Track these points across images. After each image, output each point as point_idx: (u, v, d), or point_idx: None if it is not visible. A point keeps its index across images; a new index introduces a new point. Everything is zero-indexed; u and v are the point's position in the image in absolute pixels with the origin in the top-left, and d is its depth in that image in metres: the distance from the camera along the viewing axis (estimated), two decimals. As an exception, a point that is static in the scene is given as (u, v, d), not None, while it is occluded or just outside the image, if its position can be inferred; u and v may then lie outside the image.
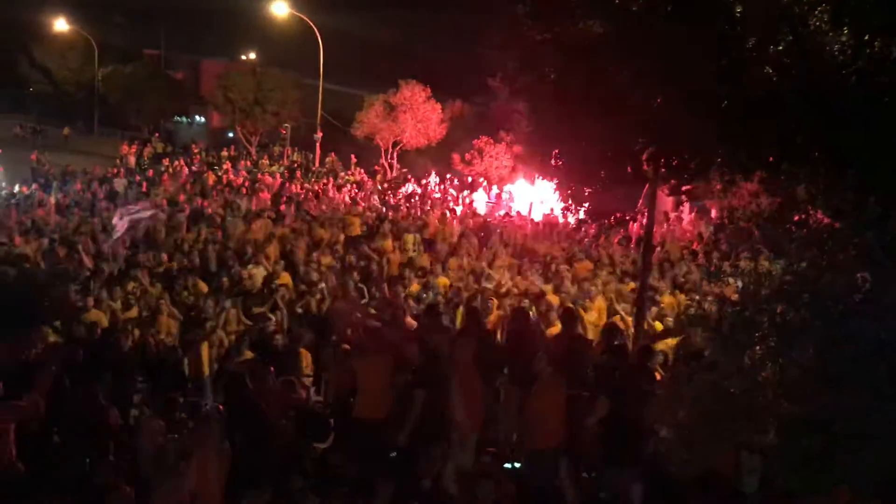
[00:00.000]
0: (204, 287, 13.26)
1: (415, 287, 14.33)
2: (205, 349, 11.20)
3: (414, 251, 17.64)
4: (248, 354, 10.72)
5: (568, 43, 10.36)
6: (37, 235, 15.94)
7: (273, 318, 11.99)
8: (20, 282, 9.69)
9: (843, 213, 4.91)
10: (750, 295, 5.06)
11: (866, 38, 6.19)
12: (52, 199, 21.64)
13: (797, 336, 4.86)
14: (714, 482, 7.70)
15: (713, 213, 20.09)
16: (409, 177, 32.33)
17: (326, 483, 8.01)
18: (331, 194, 25.20)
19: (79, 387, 9.18)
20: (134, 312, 12.19)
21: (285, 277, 14.26)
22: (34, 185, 25.41)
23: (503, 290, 13.95)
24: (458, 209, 24.53)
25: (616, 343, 10.23)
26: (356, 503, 7.70)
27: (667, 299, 13.58)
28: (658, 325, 12.52)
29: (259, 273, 14.35)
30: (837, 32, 7.04)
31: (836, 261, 5.02)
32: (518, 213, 23.78)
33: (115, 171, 30.11)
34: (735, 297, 5.15)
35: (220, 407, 8.20)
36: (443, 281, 14.55)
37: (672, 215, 20.73)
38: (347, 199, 24.53)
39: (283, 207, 21.14)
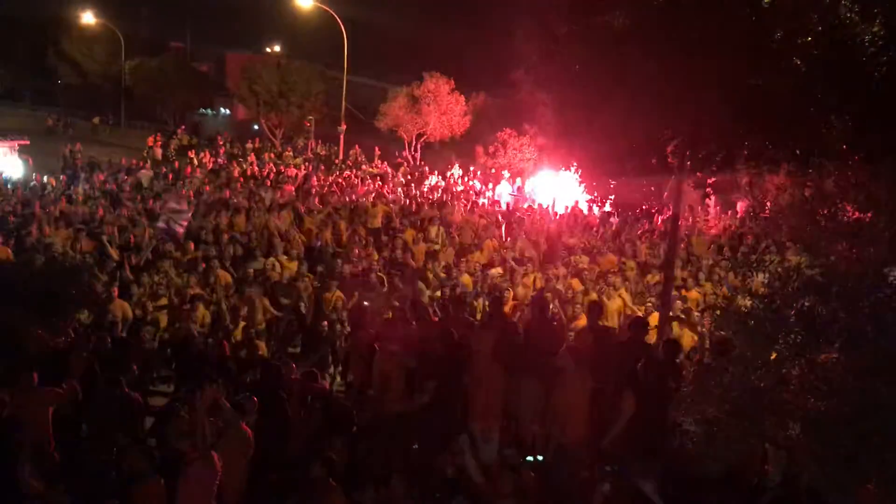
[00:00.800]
0: (228, 277, 13.38)
1: (438, 277, 14.45)
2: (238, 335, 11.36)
3: (437, 243, 17.69)
4: (262, 346, 10.80)
5: (593, 35, 10.30)
6: (64, 226, 16.09)
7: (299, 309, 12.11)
8: (48, 270, 9.78)
9: (877, 205, 4.83)
10: (777, 288, 5.01)
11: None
12: (80, 190, 21.83)
13: (825, 330, 4.80)
14: (739, 477, 7.64)
15: (739, 207, 19.92)
16: (428, 171, 32.14)
17: (350, 472, 8.06)
18: (356, 186, 25.25)
19: (106, 374, 9.34)
20: (163, 301, 12.31)
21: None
22: (62, 177, 25.64)
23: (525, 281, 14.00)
24: (483, 201, 24.53)
25: (641, 337, 10.14)
26: (379, 493, 7.74)
27: (693, 294, 13.51)
28: (675, 327, 12.45)
29: (284, 264, 14.46)
30: (868, 24, 6.92)
31: (866, 254, 4.95)
32: (540, 205, 23.71)
33: (142, 163, 30.33)
34: (762, 290, 5.09)
35: (254, 397, 8.24)
36: (466, 279, 14.58)
37: (698, 208, 20.55)
38: (378, 189, 24.59)
39: (315, 200, 21.21)
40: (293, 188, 23.56)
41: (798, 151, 7.38)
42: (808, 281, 4.86)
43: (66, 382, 8.68)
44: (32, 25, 56.60)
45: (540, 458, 9.56)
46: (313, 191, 23.15)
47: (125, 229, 15.67)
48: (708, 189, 11.02)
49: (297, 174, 27.89)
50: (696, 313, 12.36)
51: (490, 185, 28.11)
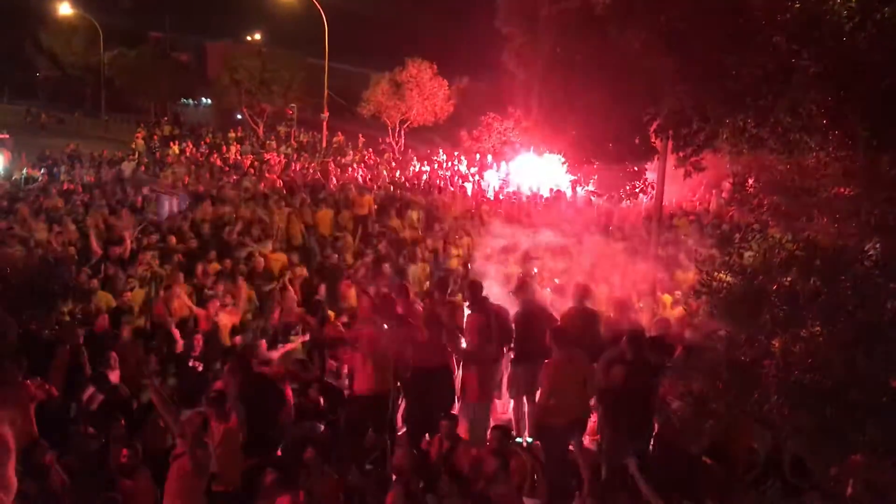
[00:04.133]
0: (217, 267, 13.35)
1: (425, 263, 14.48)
2: (223, 325, 11.33)
3: (417, 227, 17.74)
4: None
5: (573, 17, 10.30)
6: (46, 219, 15.96)
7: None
8: (31, 263, 9.72)
9: (855, 179, 4.87)
10: (760, 264, 5.04)
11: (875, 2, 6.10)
12: (64, 182, 21.72)
13: (807, 304, 4.84)
14: (726, 453, 7.71)
15: (724, 186, 19.99)
16: (413, 156, 32.04)
17: (341, 456, 8.09)
18: (338, 174, 25.18)
19: (92, 367, 9.32)
20: (142, 295, 12.25)
21: (295, 257, 14.36)
22: (42, 170, 25.46)
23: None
24: (469, 186, 24.53)
25: (629, 317, 10.20)
26: (370, 476, 7.78)
27: (689, 275, 13.55)
28: (668, 298, 12.50)
29: (267, 253, 14.44)
30: (845, -1, 6.93)
31: (846, 228, 4.99)
32: (531, 189, 23.72)
33: (130, 155, 30.21)
34: (745, 266, 5.13)
35: (235, 382, 8.24)
36: (454, 263, 14.61)
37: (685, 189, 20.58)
38: (359, 178, 24.52)
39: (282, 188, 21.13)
40: (276, 177, 23.49)
41: (780, 128, 7.39)
42: (789, 256, 4.90)
43: (50, 377, 8.58)
44: (8, 17, 55.81)
45: (529, 439, 9.62)
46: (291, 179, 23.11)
47: (107, 221, 15.56)
48: (689, 168, 11.06)
49: (280, 162, 27.79)
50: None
51: (475, 170, 28.07)
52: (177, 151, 30.01)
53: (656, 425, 8.29)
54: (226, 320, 11.32)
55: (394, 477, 7.77)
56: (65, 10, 54.56)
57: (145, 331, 11.33)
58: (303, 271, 13.49)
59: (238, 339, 11.09)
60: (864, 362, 4.56)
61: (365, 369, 8.98)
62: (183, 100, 59.10)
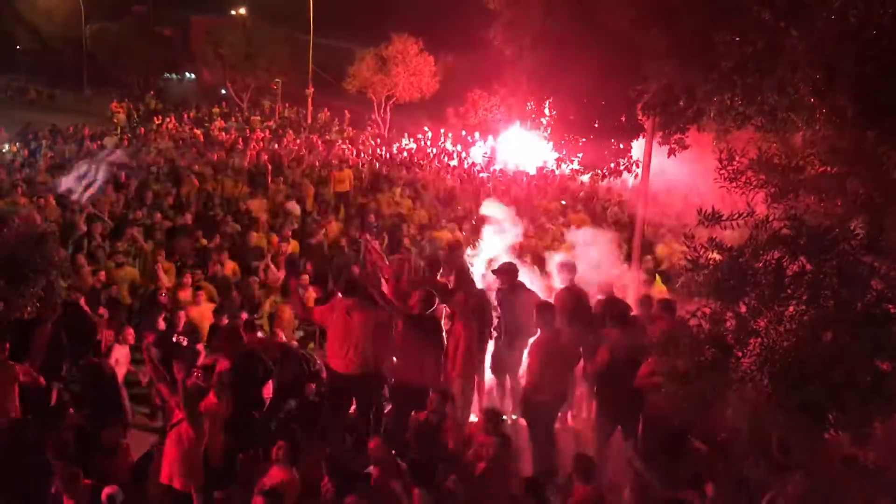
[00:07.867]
0: (204, 242, 13.32)
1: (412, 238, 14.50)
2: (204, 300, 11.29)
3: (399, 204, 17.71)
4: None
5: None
6: (29, 194, 15.80)
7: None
8: (14, 238, 9.61)
9: (841, 158, 4.85)
10: (746, 241, 5.03)
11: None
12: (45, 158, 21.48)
13: (792, 282, 4.84)
14: (710, 430, 7.74)
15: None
16: (398, 133, 31.87)
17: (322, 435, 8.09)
18: (322, 149, 25.03)
19: (75, 345, 9.27)
20: (128, 271, 12.16)
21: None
22: (18, 144, 25.14)
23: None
24: (454, 163, 24.45)
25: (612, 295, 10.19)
26: (358, 459, 7.78)
27: (661, 249, 13.60)
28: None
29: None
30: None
31: (832, 207, 4.99)
32: (517, 167, 23.65)
33: (113, 130, 29.84)
34: (730, 243, 5.12)
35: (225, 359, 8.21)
36: (444, 234, 14.57)
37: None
38: (345, 153, 24.37)
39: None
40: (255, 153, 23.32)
41: (767, 107, 7.38)
42: (775, 234, 4.89)
43: (30, 358, 8.53)
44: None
45: (514, 416, 9.65)
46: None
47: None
48: (674, 146, 11.05)
49: (264, 137, 27.57)
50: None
51: (460, 147, 27.97)
52: (155, 126, 29.68)
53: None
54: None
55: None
56: (46, -18, 53.68)
57: (131, 307, 11.30)
58: (288, 248, 13.43)
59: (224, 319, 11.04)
60: (848, 342, 4.57)
61: (340, 351, 8.92)
62: (166, 74, 58.43)
